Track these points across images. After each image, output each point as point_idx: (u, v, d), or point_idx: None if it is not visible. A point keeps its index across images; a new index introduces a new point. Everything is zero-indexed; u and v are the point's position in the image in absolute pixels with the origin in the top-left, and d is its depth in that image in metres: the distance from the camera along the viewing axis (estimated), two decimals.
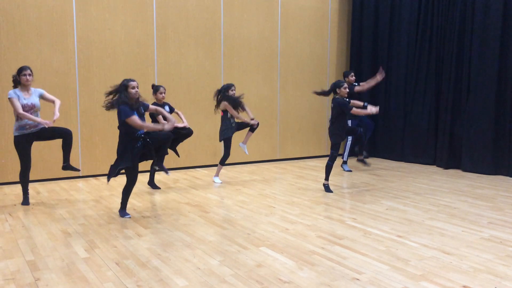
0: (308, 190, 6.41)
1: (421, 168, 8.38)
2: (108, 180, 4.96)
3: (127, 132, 4.84)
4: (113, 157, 7.37)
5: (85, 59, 7.15)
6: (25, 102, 5.31)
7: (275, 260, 3.69)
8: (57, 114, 5.37)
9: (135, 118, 4.74)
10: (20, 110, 5.22)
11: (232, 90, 6.73)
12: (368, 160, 9.28)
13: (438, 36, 8.49)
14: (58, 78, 6.97)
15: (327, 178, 6.32)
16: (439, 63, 8.54)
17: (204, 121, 8.27)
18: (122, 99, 4.74)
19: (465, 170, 7.92)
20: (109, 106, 4.85)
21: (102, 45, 7.26)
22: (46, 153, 6.88)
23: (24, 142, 5.39)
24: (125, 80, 4.84)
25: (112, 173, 4.84)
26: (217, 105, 6.75)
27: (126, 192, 5.01)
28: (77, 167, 5.84)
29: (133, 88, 4.78)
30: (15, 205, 5.54)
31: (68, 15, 6.98)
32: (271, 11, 8.85)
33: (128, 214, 5.03)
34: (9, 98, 5.27)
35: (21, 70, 5.31)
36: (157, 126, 4.99)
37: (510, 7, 7.40)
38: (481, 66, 7.71)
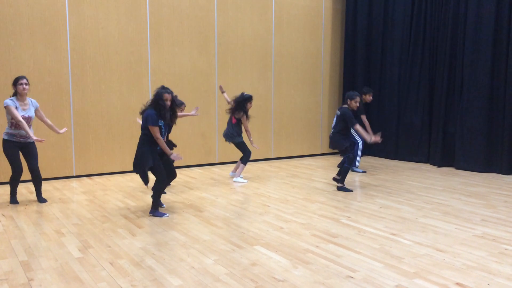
0: (303, 189, 6.42)
1: (415, 166, 8.42)
2: (147, 183, 5.02)
3: (150, 135, 4.88)
4: (106, 157, 7.43)
5: (78, 58, 7.12)
6: (22, 114, 5.30)
7: (270, 259, 3.69)
8: (62, 130, 5.68)
9: (157, 130, 4.84)
10: (20, 118, 5.20)
11: (251, 103, 6.82)
12: (362, 158, 9.32)
13: (432, 35, 8.53)
14: (51, 77, 6.93)
15: (342, 181, 6.28)
16: (433, 61, 8.58)
17: (198, 120, 8.26)
18: (157, 106, 4.87)
19: (458, 168, 7.97)
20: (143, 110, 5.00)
21: (95, 44, 7.23)
22: (39, 152, 6.82)
23: (11, 147, 5.39)
24: (161, 89, 4.96)
25: (143, 176, 4.93)
26: (234, 112, 6.78)
27: (155, 191, 5.03)
28: (45, 199, 5.79)
29: (166, 99, 4.90)
30: (8, 205, 5.51)
31: (60, 13, 6.94)
32: (265, 10, 8.85)
33: (166, 214, 5.06)
34: (5, 107, 5.21)
35: (17, 80, 5.31)
36: (167, 150, 4.99)
37: (503, 4, 7.44)
38: (474, 65, 7.75)
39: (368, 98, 7.94)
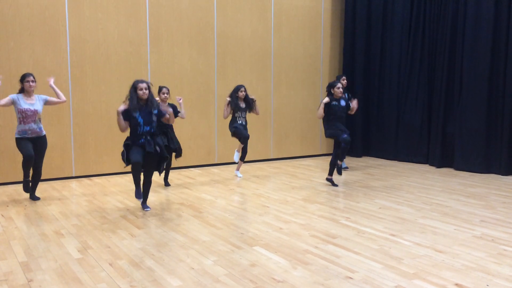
0: (302, 189, 6.42)
1: (414, 166, 8.43)
2: (125, 165, 5.18)
3: (131, 128, 5.09)
4: (106, 157, 7.44)
5: (77, 59, 7.12)
6: (27, 107, 5.46)
7: (269, 260, 3.70)
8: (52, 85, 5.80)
9: (120, 119, 5.05)
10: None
11: (241, 92, 7.03)
12: (361, 159, 9.33)
13: (431, 35, 8.53)
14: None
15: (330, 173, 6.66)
16: (432, 62, 8.58)
17: (197, 121, 8.26)
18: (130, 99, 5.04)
19: (457, 168, 7.97)
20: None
21: (95, 45, 7.23)
22: None
23: (25, 142, 5.50)
24: (135, 81, 5.14)
25: (124, 161, 5.13)
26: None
27: (143, 186, 5.29)
28: (38, 197, 5.89)
29: (141, 89, 5.02)
30: (7, 206, 5.51)
31: (60, 14, 6.94)
32: (264, 10, 8.85)
33: (147, 207, 5.32)
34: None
35: (24, 77, 5.52)
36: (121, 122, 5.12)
37: (501, 5, 7.45)
38: (473, 66, 7.76)
39: (343, 82, 7.83)
